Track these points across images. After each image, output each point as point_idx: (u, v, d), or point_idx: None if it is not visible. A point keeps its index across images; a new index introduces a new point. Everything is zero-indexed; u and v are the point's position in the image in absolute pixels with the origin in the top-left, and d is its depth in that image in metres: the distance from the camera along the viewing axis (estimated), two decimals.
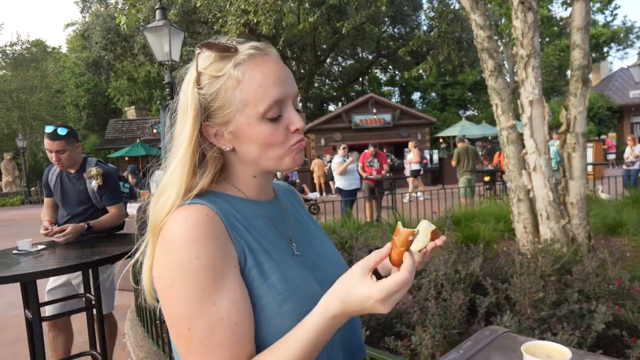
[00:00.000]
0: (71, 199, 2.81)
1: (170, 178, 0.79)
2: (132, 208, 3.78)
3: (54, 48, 37.39)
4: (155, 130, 22.38)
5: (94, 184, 2.74)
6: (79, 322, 3.62)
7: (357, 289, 0.66)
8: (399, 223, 0.72)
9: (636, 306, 2.27)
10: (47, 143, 2.65)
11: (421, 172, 11.46)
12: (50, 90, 27.07)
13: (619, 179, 8.72)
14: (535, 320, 2.36)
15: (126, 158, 20.96)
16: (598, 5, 32.01)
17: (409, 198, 8.89)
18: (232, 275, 0.72)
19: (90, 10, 22.21)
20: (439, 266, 2.94)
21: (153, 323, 3.43)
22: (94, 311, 2.47)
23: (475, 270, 2.93)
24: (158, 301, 0.75)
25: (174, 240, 0.71)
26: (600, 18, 31.54)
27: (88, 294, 2.49)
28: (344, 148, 8.77)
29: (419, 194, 10.08)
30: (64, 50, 37.97)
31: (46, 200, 2.96)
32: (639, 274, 2.75)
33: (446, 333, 2.38)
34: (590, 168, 11.65)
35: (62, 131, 2.65)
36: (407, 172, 12.57)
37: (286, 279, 0.76)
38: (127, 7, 5.14)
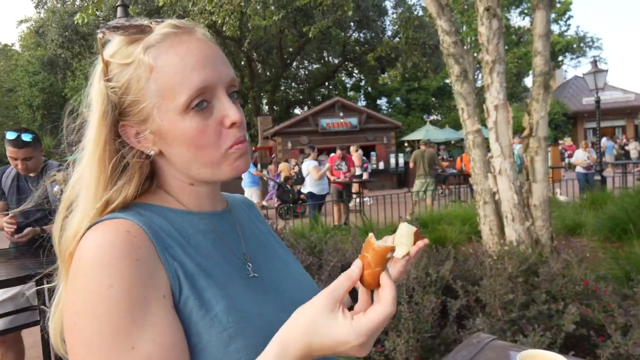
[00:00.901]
0: (27, 204, 2.62)
1: (78, 189, 0.65)
2: None
3: (6, 45, 35.55)
4: None
5: (56, 189, 2.56)
6: (32, 335, 3.39)
7: (328, 330, 0.51)
8: (371, 235, 0.57)
9: (602, 306, 2.33)
10: (11, 151, 2.47)
11: (363, 177, 11.47)
12: (1, 89, 25.70)
13: (575, 182, 9.10)
14: (506, 322, 2.38)
15: None
16: (553, 15, 33.55)
17: (354, 202, 8.93)
18: (159, 309, 0.55)
19: (45, 7, 21.26)
20: (410, 270, 2.93)
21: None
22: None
23: (446, 273, 2.94)
24: None
25: (81, 266, 0.55)
26: (555, 28, 33.05)
27: (43, 306, 2.32)
28: (315, 151, 8.72)
29: (365, 198, 10.13)
30: (17, 47, 36.19)
31: None
32: (603, 274, 2.84)
33: (419, 337, 2.37)
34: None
35: (27, 137, 2.47)
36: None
37: (234, 308, 0.60)
38: (85, 3, 4.91)
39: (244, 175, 9.32)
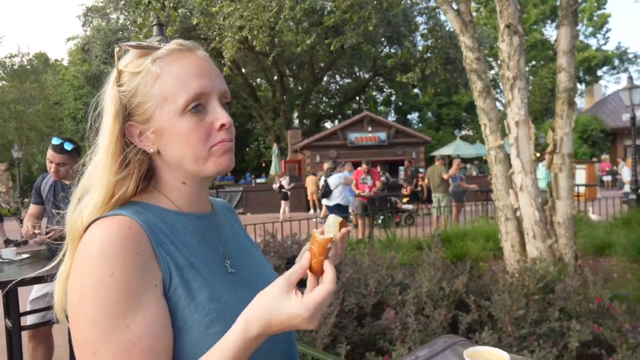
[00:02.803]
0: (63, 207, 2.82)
1: (91, 177, 0.75)
2: None
3: (55, 60, 37.68)
4: None
5: None
6: (62, 335, 3.59)
7: (282, 308, 0.63)
8: (315, 231, 0.70)
9: (615, 325, 2.28)
10: (50, 154, 2.72)
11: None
12: (48, 102, 27.17)
13: (610, 200, 8.78)
14: (515, 338, 2.37)
15: None
16: (590, 29, 32.68)
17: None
18: (151, 296, 0.65)
19: (91, 25, 22.45)
20: (423, 283, 2.95)
21: None
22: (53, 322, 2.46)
23: (459, 287, 2.94)
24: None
25: (88, 255, 0.65)
26: (592, 42, 32.17)
27: None
28: (342, 166, 8.90)
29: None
30: (65, 62, 38.31)
31: (33, 207, 2.97)
32: (621, 293, 2.77)
33: None
34: (582, 189, 11.74)
35: (68, 146, 2.72)
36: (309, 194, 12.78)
37: (215, 298, 0.71)
38: (135, 30, 5.25)
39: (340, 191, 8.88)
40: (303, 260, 0.67)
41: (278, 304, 0.63)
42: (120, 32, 20.65)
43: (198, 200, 0.82)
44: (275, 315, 0.63)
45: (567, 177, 4.17)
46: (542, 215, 4.05)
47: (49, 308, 2.69)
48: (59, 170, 2.73)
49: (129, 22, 21.21)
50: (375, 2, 6.35)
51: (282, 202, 12.78)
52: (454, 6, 4.64)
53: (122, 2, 19.48)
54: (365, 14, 6.14)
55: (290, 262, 1.04)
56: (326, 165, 11.45)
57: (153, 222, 0.72)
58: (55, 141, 2.73)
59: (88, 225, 0.70)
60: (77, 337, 0.64)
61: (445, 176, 9.12)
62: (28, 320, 2.64)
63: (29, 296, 2.75)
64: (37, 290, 2.79)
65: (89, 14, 22.39)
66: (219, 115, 0.74)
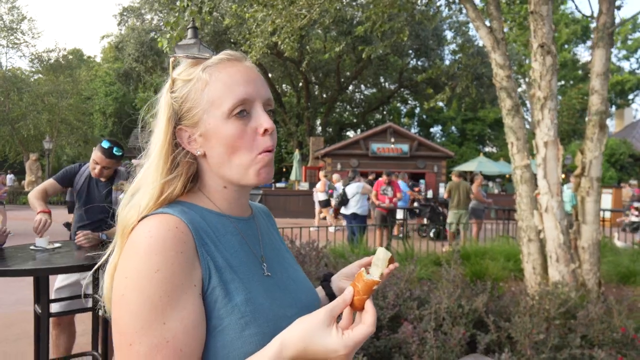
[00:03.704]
0: (95, 206, 2.90)
1: (144, 176, 0.79)
2: None
3: (89, 57, 38.84)
4: None
5: (122, 197, 2.83)
6: (85, 324, 3.69)
7: (322, 340, 0.65)
8: (362, 269, 0.72)
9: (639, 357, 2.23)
10: (98, 156, 2.77)
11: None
12: (80, 96, 27.98)
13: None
14: None
15: None
16: (624, 52, 31.97)
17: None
18: (190, 295, 0.68)
19: (126, 24, 23.11)
20: (442, 299, 2.93)
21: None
22: (100, 312, 2.53)
23: (479, 306, 2.91)
24: None
25: (136, 250, 0.68)
26: (626, 65, 31.45)
27: (96, 295, 2.56)
28: (359, 176, 8.95)
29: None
30: (99, 59, 39.43)
31: (52, 182, 2.92)
32: None
33: None
34: (607, 214, 11.44)
35: (117, 151, 2.78)
36: (315, 202, 12.50)
37: (252, 300, 0.73)
38: (167, 29, 5.35)
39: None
40: (346, 295, 0.69)
41: (318, 334, 0.65)
42: (153, 33, 21.20)
43: (239, 204, 0.86)
44: (312, 345, 0.65)
45: (595, 202, 4.09)
46: (566, 238, 3.97)
47: (73, 297, 2.78)
48: (103, 172, 2.80)
49: (162, 23, 21.80)
50: (407, 15, 6.37)
51: (323, 210, 12.37)
52: (487, 23, 4.63)
53: (157, 3, 20.01)
54: (397, 25, 6.16)
55: (325, 279, 1.07)
56: (335, 176, 11.46)
57: (197, 222, 0.75)
58: (105, 144, 2.77)
59: (138, 221, 0.73)
60: (117, 325, 0.67)
61: (474, 191, 9.09)
62: (52, 308, 2.72)
63: (54, 284, 2.84)
64: (62, 279, 2.88)
65: (125, 13, 23.05)
66: (262, 121, 0.78)
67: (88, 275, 2.76)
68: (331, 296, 1.00)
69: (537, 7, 3.84)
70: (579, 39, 30.54)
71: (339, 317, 0.70)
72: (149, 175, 0.79)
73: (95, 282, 2.55)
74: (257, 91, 0.79)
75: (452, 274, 3.37)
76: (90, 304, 2.79)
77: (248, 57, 0.84)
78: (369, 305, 0.69)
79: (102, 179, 2.90)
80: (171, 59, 0.82)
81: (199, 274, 0.71)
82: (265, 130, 0.78)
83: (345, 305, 0.68)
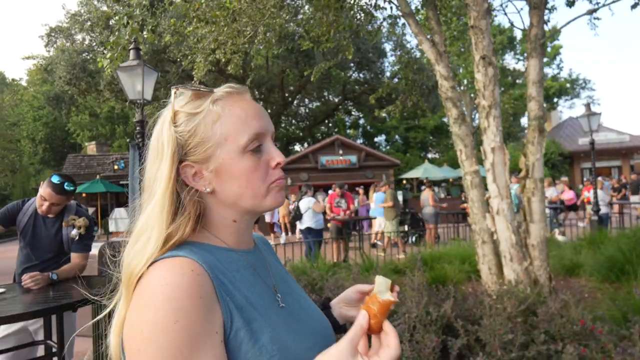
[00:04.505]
0: (43, 244, 2.68)
1: (148, 220, 0.72)
2: (93, 248, 3.65)
3: (13, 80, 36.37)
4: (116, 167, 21.80)
5: (74, 233, 2.64)
6: None
7: None
8: (377, 292, 0.71)
9: (599, 346, 2.36)
10: (47, 192, 2.56)
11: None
12: (5, 122, 26.09)
13: (574, 222, 9.17)
14: None
15: (84, 194, 20.19)
16: (545, 60, 34.64)
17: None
18: (212, 344, 0.63)
19: (55, 45, 21.90)
20: (412, 308, 2.97)
21: None
22: None
23: (447, 312, 2.98)
24: None
25: (151, 300, 0.62)
26: (548, 71, 34.03)
27: (49, 341, 2.35)
28: (311, 190, 8.95)
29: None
30: (24, 82, 37.00)
31: None
32: (600, 314, 2.87)
33: None
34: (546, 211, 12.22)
35: (69, 187, 2.58)
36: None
37: (277, 338, 0.70)
38: (106, 50, 5.11)
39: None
40: (362, 320, 0.67)
41: None
42: (86, 54, 20.22)
43: (246, 236, 0.84)
44: None
45: (540, 201, 4.34)
46: (518, 238, 4.18)
47: (22, 346, 2.53)
48: (51, 209, 2.59)
49: (95, 44, 20.83)
50: (351, 33, 6.52)
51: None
52: (429, 37, 4.83)
53: (89, 23, 19.16)
54: (343, 42, 6.29)
55: (324, 307, 1.04)
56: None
57: (211, 261, 0.71)
58: (55, 179, 2.56)
59: (147, 267, 0.68)
60: None
61: (430, 199, 9.52)
62: None
63: None
64: (5, 327, 2.61)
65: (53, 34, 21.85)
66: (274, 155, 0.79)
67: (36, 320, 2.54)
68: (334, 324, 0.98)
69: (476, 21, 4.06)
70: (506, 48, 32.70)
71: None
72: (153, 217, 0.73)
73: (49, 327, 2.34)
74: (267, 125, 0.80)
75: (417, 282, 3.43)
76: (39, 352, 2.56)
77: (247, 89, 0.83)
78: (388, 327, 0.68)
79: (50, 216, 2.69)
80: (173, 90, 0.78)
81: (220, 318, 0.66)
82: (278, 164, 0.79)
83: (363, 331, 0.66)
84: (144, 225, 0.74)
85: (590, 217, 9.60)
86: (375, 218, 10.84)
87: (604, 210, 9.67)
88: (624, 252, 5.01)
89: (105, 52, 5.06)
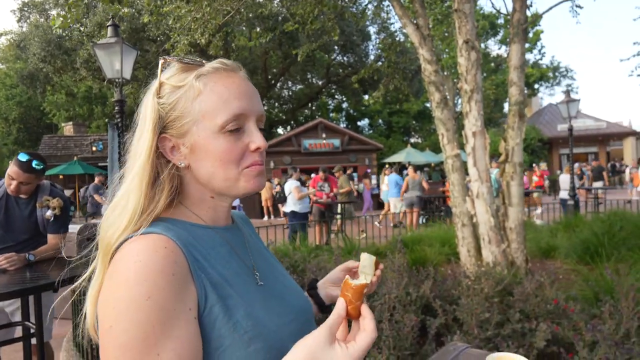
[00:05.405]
0: (16, 226, 2.61)
1: (125, 192, 0.72)
2: (72, 229, 3.59)
3: None
4: (94, 148, 21.35)
5: (49, 214, 2.57)
6: (8, 353, 3.33)
7: (329, 359, 0.62)
8: (347, 277, 0.71)
9: (571, 324, 2.45)
10: (14, 171, 2.47)
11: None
12: None
13: (551, 206, 9.40)
14: (482, 340, 2.48)
15: (61, 176, 19.76)
16: (527, 45, 34.96)
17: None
18: (185, 320, 0.63)
19: (28, 20, 21.12)
20: (392, 289, 3.02)
21: (91, 354, 3.22)
22: (33, 340, 2.29)
23: (426, 292, 3.04)
24: None
25: (123, 277, 0.62)
26: (529, 57, 34.37)
27: (27, 322, 2.32)
28: (297, 172, 8.86)
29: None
30: None
31: None
32: (573, 294, 2.97)
33: (399, 354, 2.44)
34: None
35: (38, 165, 2.49)
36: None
37: (252, 314, 0.70)
38: (63, 11, 4.94)
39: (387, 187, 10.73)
40: (339, 308, 0.67)
41: (323, 355, 0.62)
42: (61, 30, 19.56)
43: (224, 213, 0.82)
44: None
45: (519, 185, 4.42)
46: (496, 221, 4.26)
47: (6, 325, 2.50)
48: (20, 189, 2.51)
49: (63, 11, 20.14)
50: (335, 14, 6.44)
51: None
52: (413, 20, 4.81)
53: None
54: (328, 24, 6.22)
55: (311, 287, 1.04)
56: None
57: (185, 238, 0.70)
58: (22, 157, 2.47)
59: (121, 242, 0.68)
60: (106, 358, 0.62)
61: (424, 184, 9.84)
62: None
63: None
64: None
65: (26, 9, 21.05)
66: (255, 138, 0.75)
67: (13, 301, 2.50)
68: (320, 304, 0.99)
69: (460, 5, 4.05)
70: (488, 33, 32.84)
71: None
72: (132, 187, 0.72)
73: (26, 308, 2.31)
74: (252, 106, 0.76)
75: (397, 264, 3.49)
76: (17, 333, 2.53)
77: (242, 68, 0.80)
78: (365, 311, 0.68)
79: (23, 196, 2.62)
80: (161, 61, 0.76)
81: (194, 295, 0.66)
82: (257, 148, 0.76)
83: (341, 318, 0.66)
84: (124, 193, 0.73)
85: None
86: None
87: (564, 195, 10.00)
88: (598, 235, 5.18)
89: (62, 12, 4.89)
